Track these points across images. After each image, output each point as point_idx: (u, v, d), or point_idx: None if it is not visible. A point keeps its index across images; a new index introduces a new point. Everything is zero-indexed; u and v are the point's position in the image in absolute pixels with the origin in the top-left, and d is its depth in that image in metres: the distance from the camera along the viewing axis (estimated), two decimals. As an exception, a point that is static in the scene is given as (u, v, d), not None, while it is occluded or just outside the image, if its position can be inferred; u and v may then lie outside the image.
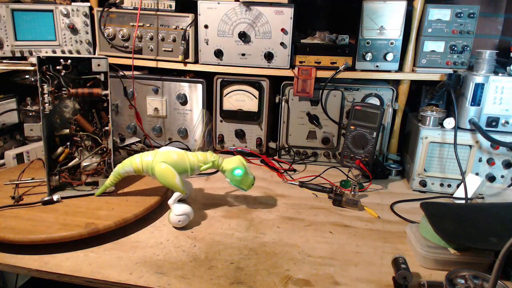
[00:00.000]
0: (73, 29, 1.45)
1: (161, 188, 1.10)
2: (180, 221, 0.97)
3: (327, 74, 1.35)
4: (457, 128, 1.18)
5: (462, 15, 1.27)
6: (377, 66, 1.35)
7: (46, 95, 0.97)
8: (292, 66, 1.38)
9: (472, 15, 1.27)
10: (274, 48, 1.36)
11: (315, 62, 1.36)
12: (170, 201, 0.98)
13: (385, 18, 1.30)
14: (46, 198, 1.00)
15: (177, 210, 0.97)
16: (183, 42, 1.37)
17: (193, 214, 0.99)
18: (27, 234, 0.85)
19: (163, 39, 1.41)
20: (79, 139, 1.07)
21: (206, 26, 1.37)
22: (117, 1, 1.41)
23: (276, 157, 1.47)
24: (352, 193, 1.14)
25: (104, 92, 1.03)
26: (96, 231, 0.89)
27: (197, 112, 1.48)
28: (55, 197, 1.00)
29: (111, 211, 0.97)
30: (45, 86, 0.97)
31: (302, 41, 1.39)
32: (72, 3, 1.44)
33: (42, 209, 0.97)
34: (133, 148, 1.43)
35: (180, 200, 1.00)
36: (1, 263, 0.83)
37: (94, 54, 1.49)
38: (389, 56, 1.32)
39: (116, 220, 0.92)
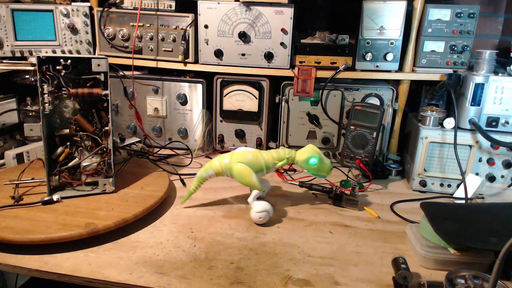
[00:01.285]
0: (73, 29, 1.45)
1: (161, 188, 1.10)
2: (261, 217, 1.00)
3: (327, 74, 1.35)
4: (457, 128, 1.18)
5: (462, 15, 1.27)
6: (377, 66, 1.35)
7: (46, 95, 0.97)
8: (292, 66, 1.38)
9: (472, 15, 1.27)
10: (274, 48, 1.36)
11: (315, 62, 1.36)
12: (249, 199, 1.03)
13: (385, 18, 1.30)
14: (46, 198, 1.00)
15: (257, 207, 1.00)
16: (183, 42, 1.37)
17: (272, 210, 1.02)
18: (26, 234, 0.85)
19: (163, 39, 1.41)
20: (79, 139, 1.07)
21: (206, 26, 1.37)
22: (117, 1, 1.41)
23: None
24: (352, 193, 1.14)
25: (104, 92, 1.03)
26: (96, 231, 0.89)
27: (197, 112, 1.48)
28: (55, 197, 1.00)
29: (110, 211, 0.97)
30: (45, 86, 0.97)
31: (302, 41, 1.39)
32: (72, 3, 1.44)
33: (42, 209, 0.97)
34: (133, 148, 1.43)
35: (259, 198, 1.03)
36: (1, 263, 0.83)
37: (94, 54, 1.49)
38: (389, 56, 1.32)
39: (116, 220, 0.92)
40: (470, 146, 1.20)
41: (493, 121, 1.18)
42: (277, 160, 1.04)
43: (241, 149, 1.05)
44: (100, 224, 0.90)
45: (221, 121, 1.48)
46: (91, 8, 1.46)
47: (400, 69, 1.37)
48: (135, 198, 1.04)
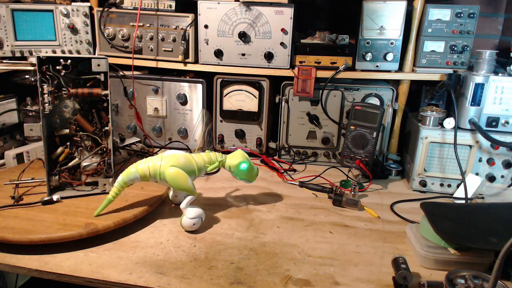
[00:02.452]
0: (73, 29, 1.45)
1: (160, 188, 1.10)
2: (195, 224, 0.96)
3: (327, 74, 1.35)
4: (457, 128, 1.18)
5: (462, 15, 1.27)
6: (377, 66, 1.35)
7: (46, 95, 0.97)
8: (292, 66, 1.38)
9: (472, 15, 1.27)
10: (274, 48, 1.36)
11: (315, 62, 1.36)
12: (182, 205, 0.96)
13: (385, 18, 1.30)
14: (46, 198, 1.00)
15: (190, 214, 0.96)
16: (183, 42, 1.37)
17: (204, 215, 0.99)
18: (26, 234, 0.85)
19: (163, 39, 1.41)
20: (79, 139, 1.07)
21: (206, 26, 1.37)
22: (117, 1, 1.41)
23: (276, 157, 1.47)
24: (352, 193, 1.14)
25: (104, 92, 1.03)
26: (96, 231, 0.89)
27: (197, 112, 1.48)
28: (55, 197, 1.00)
29: (110, 211, 0.97)
30: (45, 86, 0.97)
31: (302, 41, 1.39)
32: (72, 3, 1.44)
33: (42, 209, 0.97)
34: (133, 148, 1.43)
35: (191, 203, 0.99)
36: (1, 263, 0.83)
37: (94, 54, 1.49)
38: (389, 56, 1.32)
39: (116, 220, 0.92)
40: (470, 146, 1.20)
41: (493, 121, 1.18)
42: (208, 164, 1.01)
43: (170, 152, 1.00)
44: (100, 224, 0.90)
45: (221, 121, 1.48)
46: (91, 8, 1.46)
47: (400, 69, 1.37)
48: (135, 198, 1.04)
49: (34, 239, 0.85)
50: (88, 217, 0.93)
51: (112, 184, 1.07)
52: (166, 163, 0.96)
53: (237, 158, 1.04)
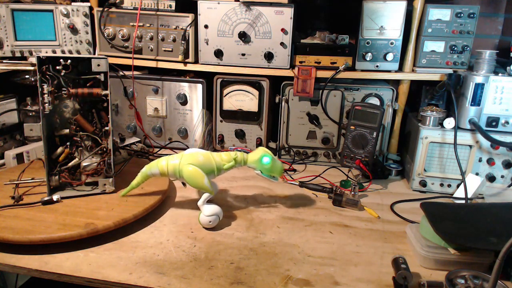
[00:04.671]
0: (73, 29, 1.45)
1: (160, 188, 1.10)
2: (211, 221, 0.97)
3: (327, 74, 1.35)
4: (457, 128, 1.18)
5: (462, 15, 1.27)
6: (377, 66, 1.35)
7: (46, 95, 0.97)
8: (292, 66, 1.38)
9: (472, 15, 1.27)
10: (274, 48, 1.36)
11: (315, 62, 1.36)
12: (199, 203, 0.99)
13: (385, 18, 1.30)
14: (45, 198, 1.00)
15: (207, 211, 0.97)
16: (183, 42, 1.37)
17: (222, 214, 1.00)
18: (26, 234, 0.85)
19: (163, 39, 1.41)
20: (79, 139, 1.07)
21: (206, 26, 1.37)
22: (117, 1, 1.41)
23: (276, 157, 1.47)
24: (352, 193, 1.14)
25: (104, 92, 1.03)
26: (96, 231, 0.89)
27: (197, 112, 1.48)
28: (55, 197, 1.00)
29: (110, 211, 0.97)
30: (45, 86, 0.97)
31: (302, 41, 1.39)
32: (72, 3, 1.44)
33: (42, 209, 0.97)
34: (133, 148, 1.43)
35: (208, 201, 1.00)
36: (1, 263, 0.83)
37: (94, 54, 1.49)
38: (389, 56, 1.32)
39: (116, 220, 0.92)
40: (470, 146, 1.20)
41: (493, 121, 1.18)
42: (225, 162, 1.01)
43: (191, 151, 1.02)
44: (100, 224, 0.90)
45: (221, 121, 1.48)
46: (91, 8, 1.45)
47: (400, 69, 1.37)
48: (135, 198, 1.04)
49: (34, 239, 0.85)
50: (88, 217, 0.93)
51: (112, 184, 1.07)
52: (185, 160, 0.98)
53: (258, 152, 1.03)
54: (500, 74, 1.16)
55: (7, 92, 1.38)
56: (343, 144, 1.34)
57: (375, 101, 1.37)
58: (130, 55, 1.42)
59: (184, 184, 1.23)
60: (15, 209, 0.96)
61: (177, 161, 0.99)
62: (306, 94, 1.37)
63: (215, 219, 0.97)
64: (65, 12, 1.42)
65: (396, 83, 1.39)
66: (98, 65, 1.02)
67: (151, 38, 1.41)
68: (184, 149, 1.49)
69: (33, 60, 1.40)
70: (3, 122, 1.34)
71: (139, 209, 0.98)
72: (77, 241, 0.87)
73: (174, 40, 1.40)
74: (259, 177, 1.05)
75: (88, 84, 1.04)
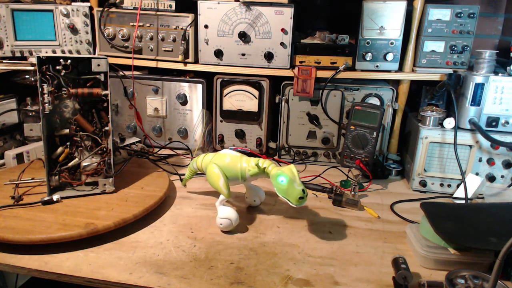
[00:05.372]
0: (73, 29, 1.45)
1: (161, 188, 1.10)
2: (222, 224, 0.96)
3: (327, 74, 1.35)
4: (457, 128, 1.18)
5: (462, 15, 1.27)
6: (377, 66, 1.35)
7: (46, 95, 0.97)
8: (292, 66, 1.38)
9: (472, 15, 1.27)
10: (274, 48, 1.36)
11: (315, 62, 1.36)
12: (216, 203, 0.99)
13: (385, 18, 1.30)
14: (46, 198, 1.00)
15: (221, 213, 0.97)
16: (183, 42, 1.37)
17: (238, 220, 0.97)
18: (26, 234, 0.85)
19: (163, 39, 1.41)
20: (79, 139, 1.07)
21: (206, 26, 1.37)
22: (117, 1, 1.41)
23: (276, 157, 1.47)
24: (352, 193, 1.14)
25: (104, 92, 1.03)
26: (96, 231, 0.89)
27: (197, 112, 1.48)
28: (55, 197, 1.00)
29: (110, 211, 0.97)
30: (45, 86, 0.97)
31: (302, 41, 1.39)
32: (72, 3, 1.44)
33: (42, 209, 0.97)
34: (133, 148, 1.43)
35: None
36: (1, 263, 0.83)
37: (94, 54, 1.49)
38: (389, 56, 1.32)
39: (116, 221, 0.92)
40: (470, 146, 1.20)
41: (493, 121, 1.18)
42: (251, 168, 0.97)
43: (225, 151, 1.03)
44: (100, 224, 0.90)
45: (221, 121, 1.48)
46: (91, 8, 1.46)
47: (400, 69, 1.37)
48: (135, 198, 1.04)
49: (34, 239, 0.85)
50: (88, 217, 0.94)
51: (112, 184, 1.07)
52: (213, 159, 1.01)
53: (280, 169, 0.92)
54: (500, 74, 1.16)
55: (7, 92, 1.38)
56: (343, 144, 1.34)
57: (375, 101, 1.37)
58: (130, 55, 1.42)
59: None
60: (15, 209, 0.96)
61: (210, 157, 1.03)
62: (306, 94, 1.37)
63: (226, 223, 0.96)
64: (65, 12, 1.42)
65: (396, 83, 1.39)
66: (98, 65, 1.02)
67: (151, 38, 1.41)
68: (184, 149, 1.50)
69: (33, 60, 1.40)
70: (3, 122, 1.34)
71: (139, 209, 0.98)
72: (77, 241, 0.87)
73: (174, 40, 1.40)
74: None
75: (88, 84, 1.04)
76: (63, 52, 1.46)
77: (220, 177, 0.97)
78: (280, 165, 1.01)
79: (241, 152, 1.42)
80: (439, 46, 1.31)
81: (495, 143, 1.15)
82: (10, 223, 0.89)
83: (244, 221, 1.03)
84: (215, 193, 1.18)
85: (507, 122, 1.17)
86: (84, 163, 1.07)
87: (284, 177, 0.90)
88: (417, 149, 1.23)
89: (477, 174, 1.21)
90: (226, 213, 0.96)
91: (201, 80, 1.45)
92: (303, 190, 0.89)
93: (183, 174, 1.27)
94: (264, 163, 0.95)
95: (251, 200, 1.11)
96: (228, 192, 0.97)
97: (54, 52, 1.45)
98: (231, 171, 0.98)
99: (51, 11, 1.41)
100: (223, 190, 0.97)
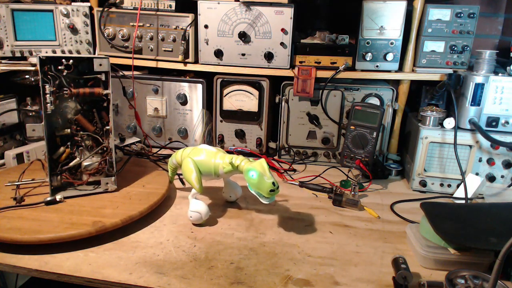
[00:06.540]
0: (73, 29, 1.45)
1: (162, 186, 1.10)
2: (192, 217, 0.99)
3: (327, 74, 1.35)
4: (457, 128, 1.18)
5: (462, 15, 1.27)
6: (377, 66, 1.35)
7: (48, 95, 0.97)
8: (292, 66, 1.38)
9: (472, 15, 1.27)
10: (274, 48, 1.36)
11: (315, 62, 1.36)
12: (189, 196, 1.01)
13: (385, 18, 1.30)
14: (48, 198, 1.00)
15: (192, 207, 0.99)
16: (183, 42, 1.37)
17: (207, 215, 1.00)
18: (34, 234, 0.85)
19: (163, 39, 1.41)
20: (79, 139, 1.07)
21: (206, 26, 1.37)
22: (117, 1, 1.41)
23: (276, 157, 1.47)
24: (352, 193, 1.14)
25: (105, 92, 1.03)
26: (104, 229, 0.89)
27: (197, 112, 1.48)
28: (58, 197, 1.00)
29: (115, 209, 0.97)
30: (47, 86, 0.97)
31: (302, 41, 1.39)
32: (72, 3, 1.44)
33: (46, 209, 0.97)
34: (133, 148, 1.43)
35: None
36: (1, 263, 0.83)
37: (94, 54, 1.49)
38: (389, 56, 1.32)
39: (123, 218, 0.93)
40: (470, 146, 1.20)
41: (493, 121, 1.18)
42: (225, 165, 0.98)
43: (202, 146, 1.05)
44: (107, 222, 0.91)
45: (221, 121, 1.48)
46: (91, 8, 1.46)
47: (400, 69, 1.37)
48: (138, 196, 1.05)
49: (44, 239, 0.85)
50: (95, 215, 0.94)
51: (114, 182, 1.08)
52: (190, 153, 1.03)
53: (251, 164, 0.94)
54: (500, 74, 1.16)
55: (7, 92, 1.38)
56: (343, 144, 1.34)
57: (375, 101, 1.37)
58: (130, 55, 1.42)
59: (182, 182, 1.23)
60: (19, 210, 0.96)
61: (188, 152, 1.04)
62: (306, 94, 1.37)
63: (196, 216, 0.98)
64: (65, 12, 1.42)
65: (396, 83, 1.40)
66: (100, 64, 1.02)
67: (151, 38, 1.41)
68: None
69: (33, 60, 1.40)
70: (3, 122, 1.34)
71: (144, 206, 0.99)
72: (77, 241, 0.87)
73: (174, 40, 1.40)
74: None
75: (88, 84, 1.04)
76: (63, 52, 1.46)
77: (193, 172, 0.98)
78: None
79: (241, 152, 1.43)
80: (439, 46, 1.31)
81: (495, 143, 1.15)
82: (16, 224, 0.89)
83: (244, 221, 1.03)
84: (215, 193, 1.18)
85: (507, 122, 1.18)
86: (85, 163, 1.07)
87: (254, 172, 0.92)
88: (417, 149, 1.23)
89: (477, 174, 1.21)
90: (197, 207, 0.98)
91: (201, 80, 1.45)
92: (273, 183, 0.91)
93: (182, 174, 1.27)
94: (237, 159, 0.97)
95: (227, 195, 1.12)
96: (200, 187, 0.99)
97: (54, 52, 1.45)
98: (205, 166, 1.00)
99: (51, 11, 1.41)
100: (195, 185, 0.99)
